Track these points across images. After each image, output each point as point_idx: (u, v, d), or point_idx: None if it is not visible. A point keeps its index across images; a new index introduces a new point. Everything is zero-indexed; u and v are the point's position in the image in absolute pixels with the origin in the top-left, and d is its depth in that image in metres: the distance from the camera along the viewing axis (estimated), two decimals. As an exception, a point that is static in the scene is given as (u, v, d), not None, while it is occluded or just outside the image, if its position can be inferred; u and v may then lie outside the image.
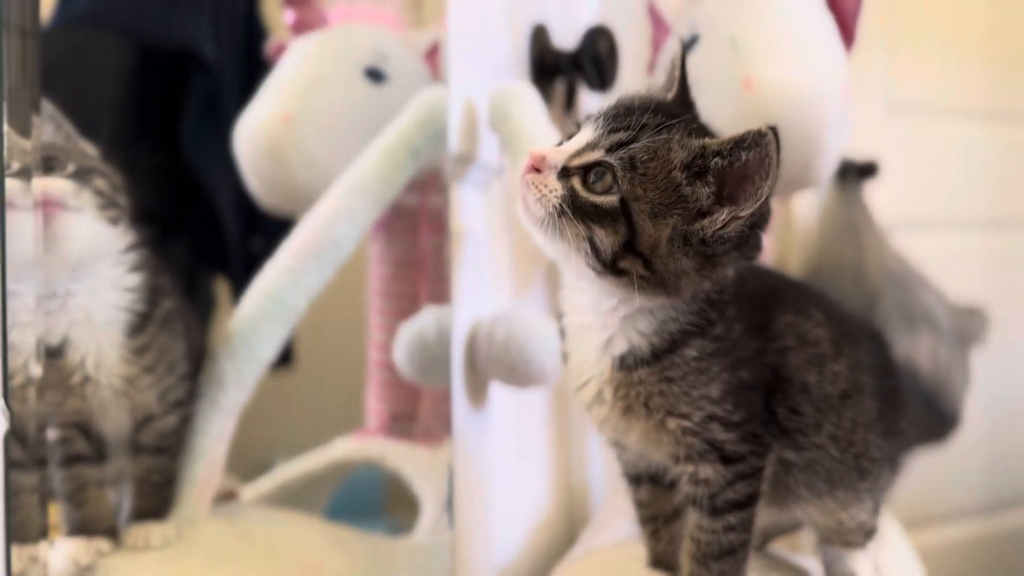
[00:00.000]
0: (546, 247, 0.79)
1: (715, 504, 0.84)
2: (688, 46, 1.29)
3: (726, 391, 0.81)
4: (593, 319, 0.82)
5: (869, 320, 1.01)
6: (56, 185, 0.91)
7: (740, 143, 0.74)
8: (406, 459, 1.46)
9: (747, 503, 0.84)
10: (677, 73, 0.85)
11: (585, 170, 0.76)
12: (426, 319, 1.20)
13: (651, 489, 0.92)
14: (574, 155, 0.77)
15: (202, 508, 1.08)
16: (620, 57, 1.44)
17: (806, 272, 2.38)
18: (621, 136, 0.76)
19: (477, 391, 1.22)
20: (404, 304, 1.43)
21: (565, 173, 0.77)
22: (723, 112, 1.19)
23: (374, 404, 1.53)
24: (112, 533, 1.01)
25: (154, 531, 1.01)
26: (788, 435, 0.86)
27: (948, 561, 2.42)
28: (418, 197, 1.37)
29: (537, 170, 0.77)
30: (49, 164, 0.93)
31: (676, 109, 0.81)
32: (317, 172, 1.29)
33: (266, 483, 1.46)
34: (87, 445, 1.02)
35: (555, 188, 0.76)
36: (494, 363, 1.16)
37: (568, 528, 1.49)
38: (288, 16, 1.48)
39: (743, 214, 0.75)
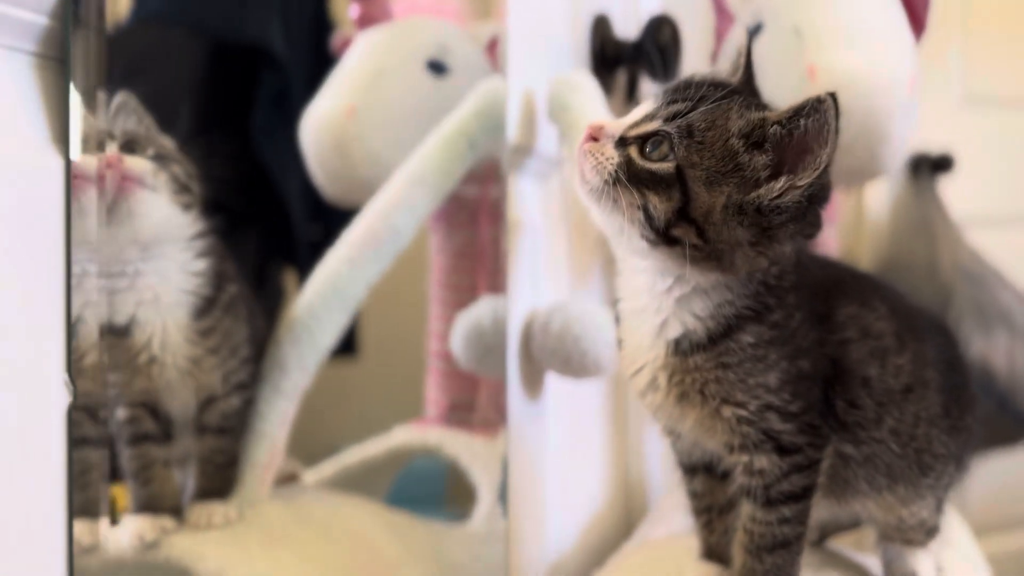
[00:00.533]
0: (601, 220, 0.79)
1: (769, 495, 0.83)
2: (752, 35, 1.27)
3: (784, 380, 0.80)
4: (647, 302, 0.82)
5: (938, 315, 0.98)
6: (137, 163, 0.95)
7: (799, 111, 0.74)
8: (463, 448, 1.47)
9: (803, 495, 0.83)
10: (743, 60, 0.84)
11: (643, 140, 0.76)
12: (483, 309, 1.21)
13: (706, 479, 0.91)
14: (632, 126, 0.77)
15: (263, 490, 1.10)
16: (682, 47, 1.43)
17: (877, 268, 2.33)
18: (680, 107, 0.76)
19: (533, 381, 1.22)
20: (463, 295, 1.44)
21: (623, 143, 0.77)
22: (787, 101, 1.17)
23: (433, 393, 1.55)
24: (177, 511, 1.04)
25: (216, 511, 1.04)
26: (847, 428, 0.85)
27: (1021, 568, 2.34)
28: (478, 188, 1.38)
29: (595, 139, 0.78)
30: (131, 146, 0.97)
31: (740, 87, 0.81)
32: (380, 164, 1.31)
33: (328, 468, 1.49)
34: (154, 424, 1.05)
35: (612, 156, 0.76)
36: (549, 353, 1.17)
37: (626, 521, 1.49)
38: (353, 10, 1.50)
39: (801, 183, 0.73)
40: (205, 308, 1.03)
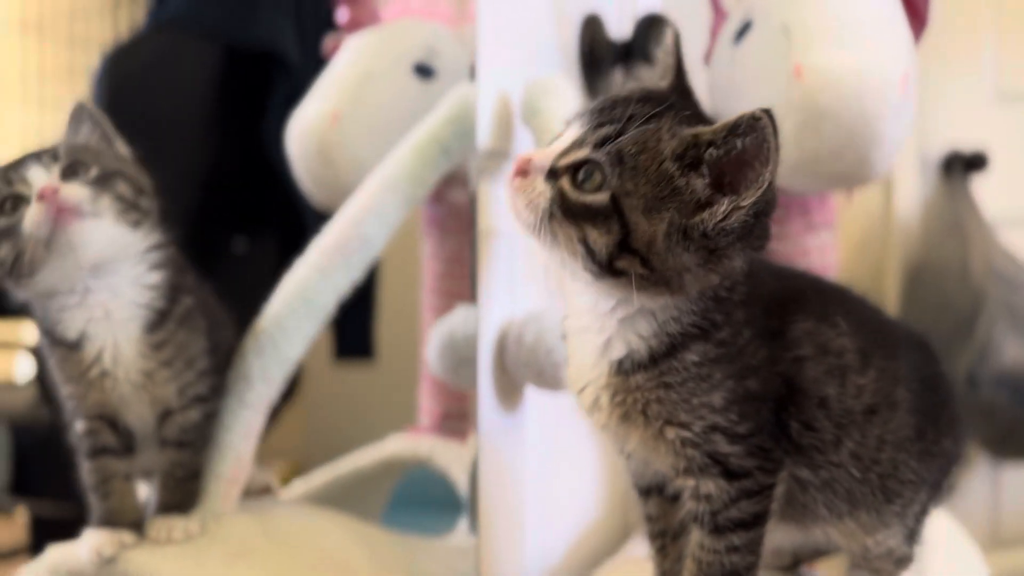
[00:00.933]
0: (541, 252, 0.75)
1: (717, 522, 0.78)
2: (741, 33, 1.22)
3: (730, 400, 0.75)
4: (591, 322, 0.78)
5: (916, 331, 0.92)
6: (73, 192, 0.93)
7: (734, 130, 0.69)
8: (455, 459, 1.45)
9: (753, 523, 0.78)
10: (671, 60, 0.79)
11: (574, 169, 0.72)
12: (456, 319, 1.18)
13: (659, 502, 0.87)
14: (561, 155, 0.73)
15: (229, 503, 1.09)
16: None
17: (907, 271, 2.24)
18: (607, 130, 0.71)
19: (509, 393, 1.19)
20: (455, 302, 1.41)
21: (553, 174, 0.73)
22: (773, 103, 1.12)
23: (426, 402, 1.53)
24: (138, 526, 1.03)
25: (177, 525, 1.03)
26: (802, 452, 0.79)
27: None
28: (470, 194, 1.35)
29: (525, 173, 0.73)
30: (72, 169, 0.95)
31: (669, 98, 0.75)
32: (365, 170, 1.28)
33: (318, 478, 1.48)
34: (113, 437, 1.04)
35: (543, 191, 0.72)
36: (523, 365, 1.13)
37: (623, 534, 1.44)
38: (341, 14, 1.48)
39: (745, 203, 0.69)
40: (158, 321, 1.02)
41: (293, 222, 1.92)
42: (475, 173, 1.15)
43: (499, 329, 1.16)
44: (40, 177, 0.93)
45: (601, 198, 0.71)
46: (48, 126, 2.78)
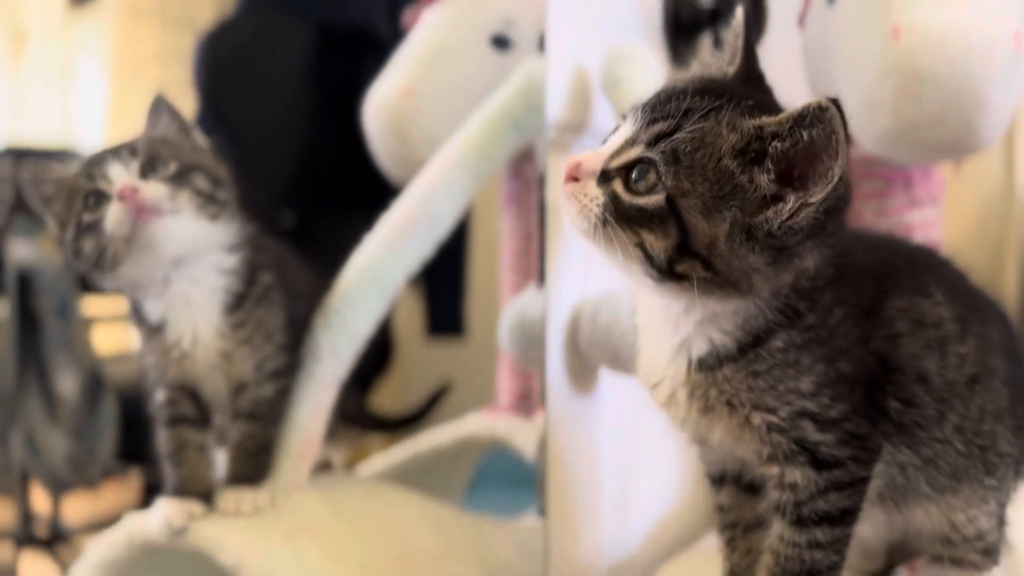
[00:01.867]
0: (602, 257, 0.71)
1: (801, 513, 0.73)
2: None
3: (821, 384, 0.70)
4: (664, 321, 0.74)
5: (994, 299, 0.85)
6: (152, 191, 0.94)
7: (800, 121, 0.63)
8: (532, 439, 1.42)
9: (840, 518, 0.73)
10: (740, 43, 0.73)
11: (627, 170, 0.68)
12: (528, 299, 1.15)
13: (733, 492, 0.81)
14: (613, 155, 0.69)
15: (299, 478, 1.09)
16: (767, 10, 1.30)
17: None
18: (662, 127, 0.67)
19: (581, 375, 1.15)
20: (533, 280, 1.38)
21: (605, 177, 0.68)
22: (868, 68, 1.04)
23: (505, 381, 1.50)
24: (208, 497, 1.04)
25: (246, 497, 1.04)
26: (904, 431, 0.74)
27: None
28: (540, 168, 1.31)
29: (576, 179, 0.69)
30: (151, 165, 0.96)
31: (732, 87, 0.70)
32: (440, 145, 1.26)
33: (397, 455, 1.48)
34: (192, 407, 1.06)
35: (596, 196, 0.68)
36: (596, 347, 1.09)
37: (702, 526, 1.39)
38: (419, -15, 1.46)
39: (813, 200, 0.64)
40: (236, 303, 1.03)
41: (388, 199, 1.93)
42: (545, 147, 1.11)
43: (571, 309, 1.12)
44: (120, 174, 0.95)
45: (656, 200, 0.66)
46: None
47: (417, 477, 1.44)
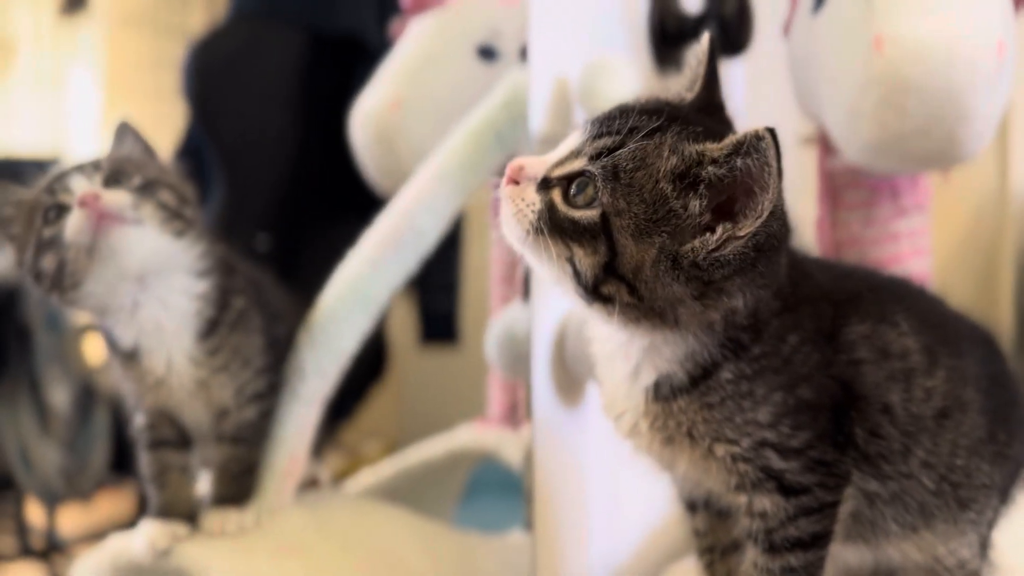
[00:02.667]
0: (535, 268, 0.70)
1: (773, 540, 0.72)
2: (819, 3, 1.13)
3: (779, 414, 0.69)
4: (615, 348, 0.73)
5: (979, 324, 0.83)
6: (116, 197, 0.92)
7: (736, 149, 0.62)
8: (522, 451, 1.41)
9: (812, 543, 0.72)
10: (702, 69, 0.71)
11: (567, 181, 0.67)
12: (515, 313, 1.14)
13: (707, 517, 0.81)
14: (557, 164, 0.68)
15: (284, 497, 1.09)
16: (752, 18, 1.30)
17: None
18: (606, 141, 0.66)
19: (568, 388, 1.14)
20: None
21: (546, 184, 0.67)
22: (851, 79, 1.03)
23: (495, 393, 1.50)
24: (192, 518, 1.03)
25: (230, 518, 1.03)
26: (870, 462, 0.73)
27: None
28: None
29: (516, 182, 0.68)
30: (116, 177, 0.94)
31: (684, 112, 0.68)
32: (427, 157, 1.25)
33: (386, 469, 1.47)
34: (173, 431, 1.05)
35: (533, 202, 0.67)
36: (583, 360, 1.08)
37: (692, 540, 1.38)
38: (404, -4, 1.45)
39: (741, 233, 0.63)
40: (210, 329, 1.01)
41: (377, 208, 1.92)
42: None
43: (557, 322, 1.11)
44: (82, 184, 0.93)
45: (591, 215, 0.65)
46: (157, 116, 2.88)
47: (408, 490, 1.44)
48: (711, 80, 0.71)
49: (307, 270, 1.26)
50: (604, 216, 0.65)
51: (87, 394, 2.15)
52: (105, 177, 0.94)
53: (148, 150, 1.02)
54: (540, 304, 1.08)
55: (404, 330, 2.50)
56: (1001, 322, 1.94)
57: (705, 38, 0.73)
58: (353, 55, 2.14)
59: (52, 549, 2.30)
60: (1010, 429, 0.79)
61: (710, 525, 0.81)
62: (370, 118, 1.36)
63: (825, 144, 1.24)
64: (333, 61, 2.19)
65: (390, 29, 1.50)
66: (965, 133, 1.00)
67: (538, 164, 0.68)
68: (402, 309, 2.43)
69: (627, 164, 0.65)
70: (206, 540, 1.02)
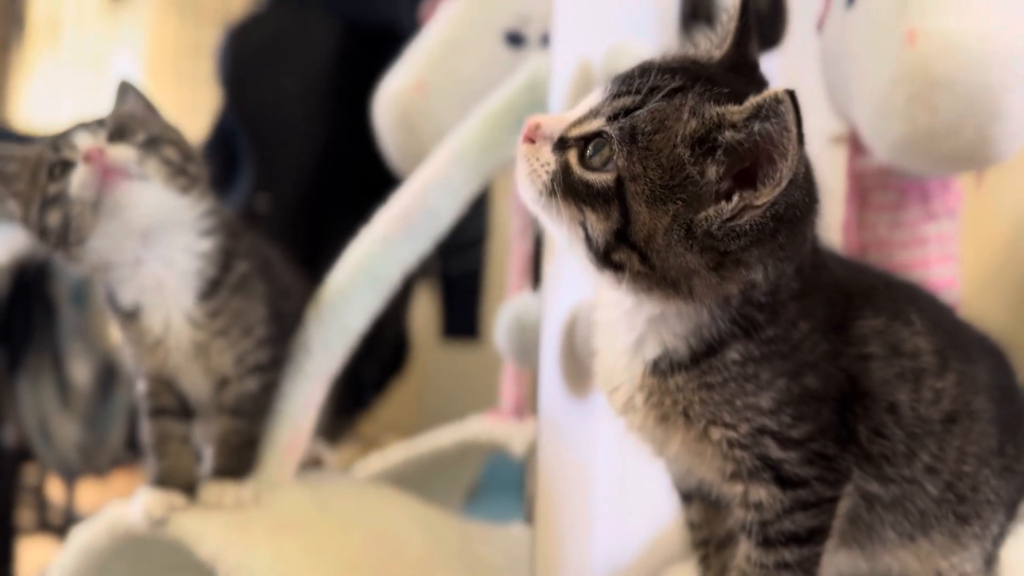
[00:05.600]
0: (548, 230, 0.68)
1: (767, 533, 0.69)
2: (853, -4, 1.10)
3: (782, 401, 0.67)
4: (619, 317, 0.71)
5: (990, 336, 0.80)
6: (120, 152, 0.92)
7: (756, 112, 0.59)
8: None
9: (808, 539, 0.69)
10: (732, 26, 0.68)
11: (584, 141, 0.64)
12: (525, 300, 1.12)
13: (702, 508, 0.78)
14: (574, 124, 0.65)
15: (285, 473, 1.08)
16: (786, 12, 1.27)
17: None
18: (626, 101, 0.63)
19: (578, 378, 1.12)
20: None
21: (563, 144, 0.65)
22: (882, 74, 1.01)
23: (507, 384, 1.48)
24: (191, 489, 1.03)
25: (228, 491, 1.02)
26: (872, 461, 0.70)
27: None
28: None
29: (532, 141, 0.66)
30: (120, 132, 0.94)
31: (711, 71, 0.65)
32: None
33: (395, 456, 1.46)
34: (174, 399, 1.05)
35: (548, 162, 0.65)
36: (592, 351, 1.06)
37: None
38: (435, -20, 1.45)
39: (759, 202, 0.60)
40: (210, 290, 1.00)
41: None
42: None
43: (569, 310, 1.09)
44: (86, 140, 0.92)
45: (605, 179, 0.63)
46: (195, 101, 2.90)
47: (416, 479, 1.42)
48: (743, 37, 0.68)
49: (334, 257, 1.25)
50: (619, 180, 0.62)
51: (108, 371, 2.16)
52: (110, 133, 0.93)
53: (150, 108, 1.01)
54: (551, 292, 1.06)
55: (426, 324, 2.50)
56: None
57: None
58: (387, 45, 2.14)
59: (70, 525, 2.32)
60: (1018, 443, 0.75)
61: (705, 517, 0.79)
62: (394, 100, 1.36)
63: (855, 144, 1.21)
64: (367, 51, 2.19)
65: (420, 13, 1.49)
66: (998, 132, 0.97)
67: (555, 123, 0.66)
68: (425, 304, 2.43)
69: (645, 126, 0.62)
70: (203, 512, 1.01)
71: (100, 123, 0.94)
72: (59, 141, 0.93)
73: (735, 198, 0.61)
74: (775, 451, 0.68)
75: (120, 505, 1.04)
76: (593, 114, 0.65)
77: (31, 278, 2.08)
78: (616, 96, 0.64)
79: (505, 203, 1.64)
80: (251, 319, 1.03)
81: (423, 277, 2.25)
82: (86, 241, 0.92)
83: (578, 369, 1.11)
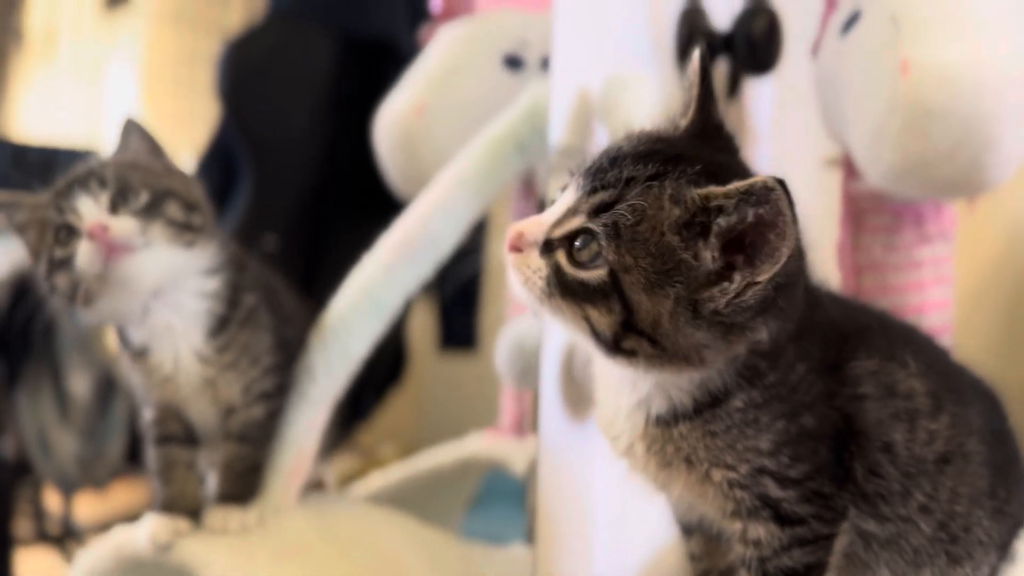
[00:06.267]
0: (556, 326, 0.69)
1: (766, 569, 0.71)
2: (849, 23, 1.12)
3: (780, 442, 0.68)
4: (622, 378, 0.72)
5: (983, 379, 0.81)
6: (122, 227, 0.91)
7: (746, 197, 0.60)
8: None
9: (805, 574, 0.71)
10: (695, 91, 0.69)
11: (569, 240, 0.65)
12: (526, 323, 1.13)
13: (703, 541, 0.80)
14: (556, 224, 0.65)
15: (289, 497, 1.09)
16: (781, 37, 1.28)
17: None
18: (603, 196, 0.63)
19: (577, 402, 1.13)
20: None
21: (549, 247, 0.65)
22: (876, 102, 1.02)
23: (506, 402, 1.49)
24: (196, 514, 1.04)
25: (233, 516, 1.03)
26: (868, 500, 0.71)
27: None
28: (539, 194, 1.30)
29: (518, 249, 0.66)
30: (121, 196, 0.93)
31: (680, 148, 0.66)
32: (449, 162, 1.26)
33: (395, 474, 1.47)
34: (180, 427, 1.06)
35: (539, 267, 0.65)
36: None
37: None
38: (434, 4, 1.46)
39: (760, 279, 0.61)
40: (220, 327, 1.01)
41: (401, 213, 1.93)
42: (546, 171, 1.10)
43: (568, 336, 1.10)
44: (89, 209, 0.92)
45: (598, 274, 0.63)
46: (192, 112, 2.91)
47: (416, 497, 1.44)
48: (705, 101, 0.69)
49: (330, 271, 1.27)
50: (612, 274, 0.63)
51: (107, 384, 2.17)
52: (111, 198, 0.93)
53: (155, 149, 1.01)
54: (552, 316, 1.07)
55: (424, 335, 2.51)
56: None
57: (696, 56, 0.70)
58: (386, 59, 2.15)
59: (67, 536, 2.33)
60: (1009, 486, 0.77)
61: (706, 550, 0.80)
62: (394, 123, 1.37)
63: (849, 167, 1.23)
64: (365, 64, 2.20)
65: (419, 35, 1.51)
66: (990, 160, 0.98)
67: (536, 227, 0.66)
68: (422, 314, 2.44)
69: (628, 219, 0.62)
70: (208, 537, 1.02)
71: (102, 181, 0.93)
72: (62, 203, 0.93)
73: (736, 277, 0.62)
74: (774, 490, 0.69)
75: (125, 529, 1.05)
76: (572, 212, 0.65)
77: (30, 290, 2.09)
78: (592, 192, 0.64)
79: (503, 213, 1.65)
80: (258, 350, 1.04)
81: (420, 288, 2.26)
82: (95, 303, 0.94)
83: (578, 393, 1.13)
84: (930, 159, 0.99)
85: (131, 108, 3.20)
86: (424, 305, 2.41)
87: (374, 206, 2.28)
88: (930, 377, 0.73)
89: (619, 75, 1.06)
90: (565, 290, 0.64)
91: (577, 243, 0.64)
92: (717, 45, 1.30)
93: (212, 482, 1.09)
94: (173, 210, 0.95)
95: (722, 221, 0.61)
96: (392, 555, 1.10)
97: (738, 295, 0.62)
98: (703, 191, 0.62)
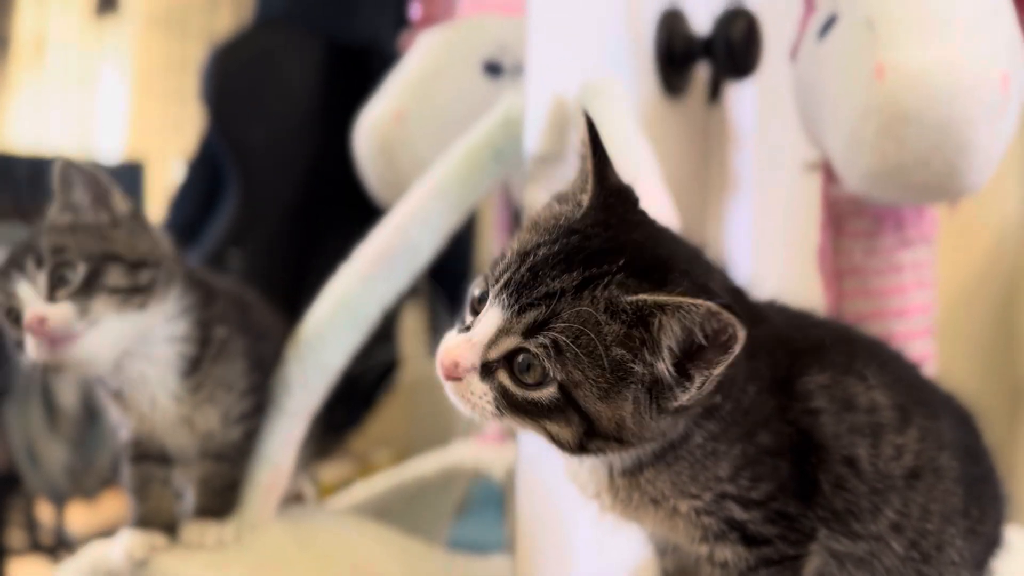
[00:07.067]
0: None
1: None
2: (826, 27, 1.11)
3: (739, 466, 0.69)
4: None
5: (957, 396, 0.81)
6: (58, 316, 0.88)
7: (689, 318, 0.59)
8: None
9: None
10: (590, 164, 0.67)
11: (508, 359, 0.63)
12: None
13: (676, 560, 0.80)
14: (488, 346, 0.63)
15: (267, 511, 1.08)
16: (760, 41, 1.28)
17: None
18: (534, 315, 0.61)
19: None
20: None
21: (488, 369, 0.63)
22: (852, 107, 1.01)
23: (491, 410, 1.48)
24: (172, 529, 1.03)
25: (210, 530, 1.03)
26: (840, 518, 0.71)
27: None
28: (516, 201, 1.30)
29: (456, 378, 0.63)
30: (58, 277, 0.90)
31: (596, 237, 0.63)
32: (429, 170, 1.25)
33: (379, 484, 1.46)
34: (156, 447, 1.05)
35: (483, 392, 0.63)
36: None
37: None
38: (414, 10, 1.45)
39: (717, 371, 0.60)
40: (193, 367, 1.00)
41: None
42: (521, 179, 1.09)
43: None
44: (28, 295, 0.89)
45: (549, 393, 0.62)
46: (182, 118, 2.90)
47: (402, 507, 1.43)
48: (602, 171, 0.67)
49: (318, 277, 1.26)
50: (563, 389, 0.61)
51: (95, 395, 2.16)
52: (48, 281, 0.89)
53: (99, 195, 0.96)
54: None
55: (415, 339, 2.50)
56: (1019, 364, 1.89)
57: (582, 124, 0.68)
58: (371, 64, 2.15)
59: (60, 546, 2.32)
60: (982, 506, 0.76)
61: (679, 566, 0.80)
62: (373, 129, 1.36)
63: (829, 171, 1.22)
64: (351, 70, 2.20)
65: (400, 42, 1.50)
66: (966, 165, 0.98)
67: (469, 351, 0.63)
68: (414, 319, 2.43)
69: (567, 337, 0.60)
70: (184, 552, 1.01)
71: (38, 260, 0.90)
72: (5, 285, 0.90)
73: (696, 378, 0.61)
74: (738, 513, 0.69)
75: (102, 545, 1.05)
76: (504, 332, 0.62)
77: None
78: (521, 311, 0.61)
79: (491, 216, 1.65)
80: (232, 377, 1.03)
81: (411, 293, 2.26)
82: (63, 374, 0.95)
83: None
84: (906, 163, 0.98)
85: (121, 115, 3.20)
86: (416, 309, 2.40)
87: (361, 211, 2.28)
88: (896, 391, 0.72)
89: (593, 82, 1.05)
90: (517, 409, 0.63)
91: (518, 363, 0.62)
92: (697, 49, 1.29)
93: (189, 497, 1.08)
94: (115, 277, 0.92)
95: (672, 344, 0.60)
96: (371, 567, 1.09)
97: (699, 388, 0.61)
98: (634, 300, 0.60)
